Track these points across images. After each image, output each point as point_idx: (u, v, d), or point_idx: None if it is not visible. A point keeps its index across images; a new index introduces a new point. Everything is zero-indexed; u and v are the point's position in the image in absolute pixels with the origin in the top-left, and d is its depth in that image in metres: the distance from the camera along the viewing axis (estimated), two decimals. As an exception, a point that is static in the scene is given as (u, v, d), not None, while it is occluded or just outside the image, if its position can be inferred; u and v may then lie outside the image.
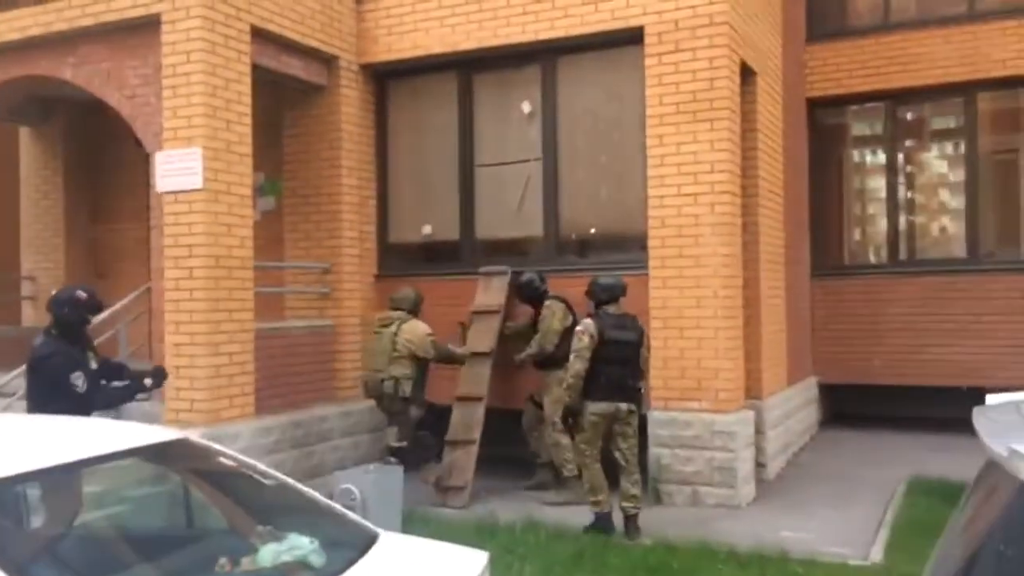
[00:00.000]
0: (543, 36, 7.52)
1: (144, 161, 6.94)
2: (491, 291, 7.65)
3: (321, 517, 3.29)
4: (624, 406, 6.02)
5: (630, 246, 7.50)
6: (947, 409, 9.78)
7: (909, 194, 10.72)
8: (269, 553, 2.93)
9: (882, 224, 10.61)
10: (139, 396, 5.65)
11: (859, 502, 6.78)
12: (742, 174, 7.45)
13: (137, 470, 3.75)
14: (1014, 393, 2.37)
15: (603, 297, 6.18)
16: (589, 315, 6.22)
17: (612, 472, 6.10)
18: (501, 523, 6.16)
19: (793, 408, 8.87)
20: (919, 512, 6.29)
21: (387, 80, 8.44)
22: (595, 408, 5.99)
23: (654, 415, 6.90)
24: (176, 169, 6.56)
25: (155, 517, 4.00)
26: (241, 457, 3.56)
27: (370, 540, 3.10)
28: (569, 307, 6.99)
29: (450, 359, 7.07)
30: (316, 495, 3.40)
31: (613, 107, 7.65)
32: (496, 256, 7.97)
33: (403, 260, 8.41)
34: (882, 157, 10.69)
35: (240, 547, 3.13)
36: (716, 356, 6.81)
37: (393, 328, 6.85)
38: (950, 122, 10.76)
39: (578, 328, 6.14)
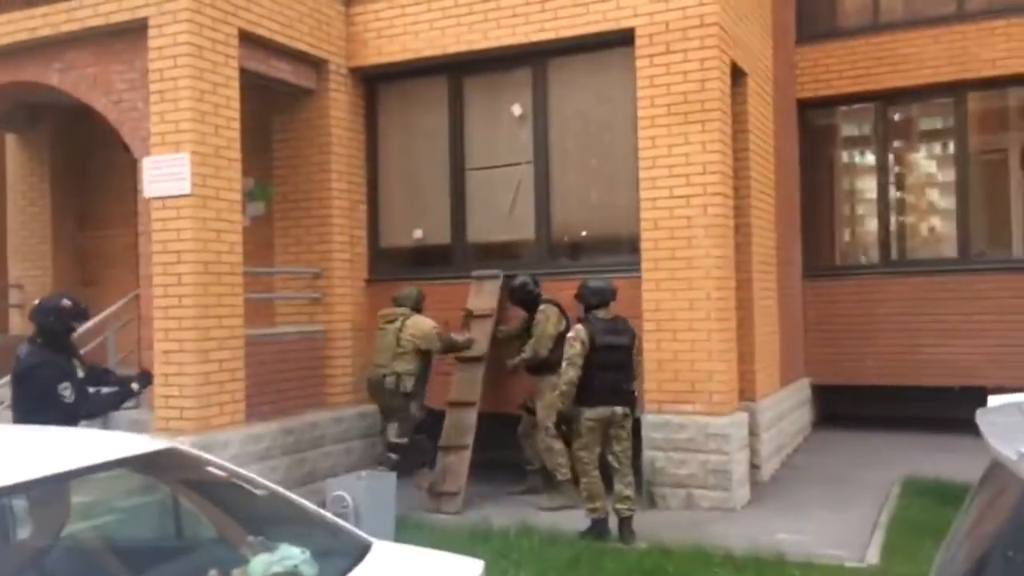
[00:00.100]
0: (533, 38, 7.49)
1: (132, 167, 6.88)
2: (483, 295, 7.61)
3: (313, 527, 3.24)
4: (620, 410, 5.99)
5: (622, 249, 7.47)
6: (939, 409, 9.82)
7: (900, 194, 10.74)
8: (260, 564, 2.88)
9: (873, 225, 10.61)
10: (127, 403, 5.59)
11: (854, 503, 6.76)
12: (734, 176, 7.43)
13: (125, 481, 3.70)
14: (1015, 394, 2.35)
15: (593, 301, 6.16)
16: (579, 320, 6.19)
17: (605, 475, 6.07)
18: (495, 528, 6.11)
19: (786, 410, 8.85)
20: (914, 513, 6.29)
21: (377, 84, 8.39)
22: (591, 413, 5.95)
23: (648, 418, 6.87)
24: (164, 175, 6.50)
25: (144, 528, 3.94)
26: (231, 466, 3.50)
27: (363, 549, 3.05)
28: (563, 312, 6.95)
29: (455, 348, 7.10)
30: (308, 504, 3.35)
31: (604, 109, 7.63)
32: (488, 260, 7.93)
33: (394, 264, 8.36)
34: (873, 157, 10.70)
35: (231, 558, 3.08)
36: (709, 358, 6.78)
37: (397, 324, 6.90)
38: (940, 122, 10.79)
39: (569, 335, 6.10)
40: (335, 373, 7.88)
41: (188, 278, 6.41)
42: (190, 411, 6.37)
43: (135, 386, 5.43)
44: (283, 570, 2.85)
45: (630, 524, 6.00)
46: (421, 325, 6.89)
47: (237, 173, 6.84)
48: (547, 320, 6.94)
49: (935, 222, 10.88)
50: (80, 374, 5.15)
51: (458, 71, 8.03)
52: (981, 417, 2.10)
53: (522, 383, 7.28)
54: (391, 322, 6.97)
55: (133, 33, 6.66)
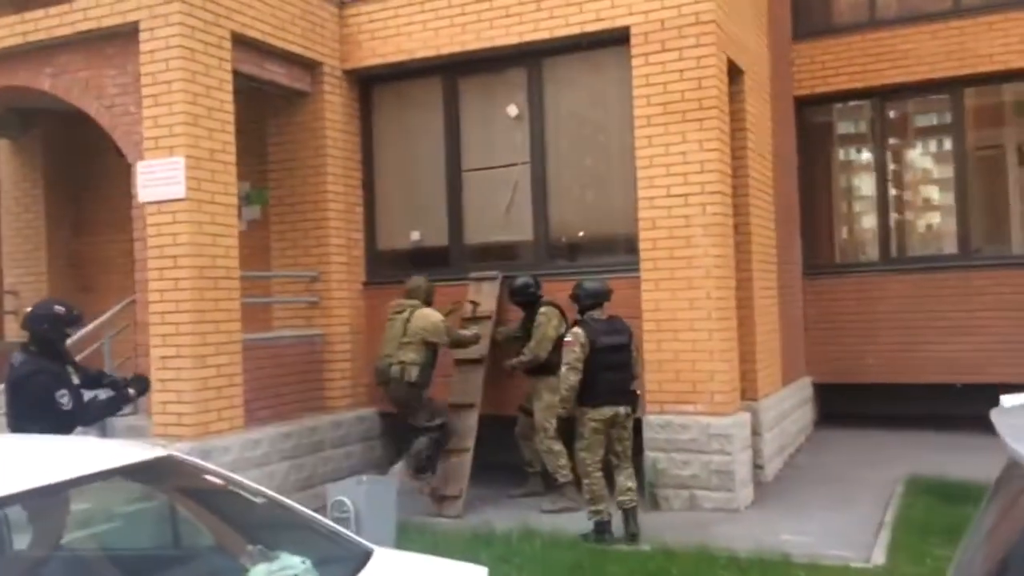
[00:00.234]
0: (528, 38, 7.44)
1: (126, 171, 6.82)
2: (481, 296, 7.56)
3: (313, 535, 3.19)
4: (623, 410, 5.99)
5: (620, 248, 7.43)
6: (941, 406, 9.78)
7: (899, 191, 10.70)
8: (260, 573, 2.83)
9: (872, 222, 10.58)
10: (124, 408, 5.53)
11: (858, 503, 6.71)
12: (732, 174, 7.39)
13: (122, 489, 3.65)
14: (1029, 393, 2.30)
15: (588, 302, 6.16)
16: (576, 322, 6.16)
17: (606, 474, 6.04)
18: (497, 532, 6.06)
19: (788, 409, 8.81)
20: (918, 512, 6.24)
21: (372, 85, 8.34)
22: (596, 414, 5.92)
23: (649, 419, 6.83)
24: (158, 179, 6.44)
25: (142, 537, 3.89)
26: (229, 474, 3.45)
27: (364, 557, 3.01)
28: (564, 314, 6.90)
29: (462, 342, 7.05)
30: (307, 512, 3.29)
31: (600, 108, 7.59)
32: (486, 261, 7.89)
33: (392, 267, 8.30)
34: (871, 154, 10.67)
35: (230, 567, 3.03)
36: (711, 358, 6.74)
37: (406, 315, 6.89)
38: (939, 118, 10.75)
39: (567, 339, 6.07)
40: (334, 377, 7.83)
41: (184, 283, 6.36)
42: (188, 417, 6.31)
43: (131, 391, 5.36)
44: (283, 580, 2.80)
45: (635, 515, 6.00)
46: (430, 317, 6.87)
47: (232, 177, 6.79)
48: (548, 322, 6.89)
49: (934, 219, 10.84)
50: (75, 380, 5.09)
51: (453, 72, 7.98)
52: (997, 417, 2.05)
53: (522, 384, 7.23)
54: (400, 312, 6.96)
55: (125, 37, 6.61)
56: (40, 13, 6.85)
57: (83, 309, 5.76)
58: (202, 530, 3.48)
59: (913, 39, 9.96)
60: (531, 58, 7.65)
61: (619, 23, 7.13)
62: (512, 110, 7.79)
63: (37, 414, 4.77)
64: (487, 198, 7.95)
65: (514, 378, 7.23)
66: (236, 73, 6.90)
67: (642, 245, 7.00)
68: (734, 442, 6.67)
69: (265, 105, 8.00)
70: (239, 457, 6.47)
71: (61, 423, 4.80)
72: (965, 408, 9.49)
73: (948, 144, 10.38)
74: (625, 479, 6.03)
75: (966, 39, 9.73)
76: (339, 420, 7.63)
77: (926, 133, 10.97)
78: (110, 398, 5.26)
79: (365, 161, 8.32)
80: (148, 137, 6.51)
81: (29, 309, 5.25)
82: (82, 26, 6.71)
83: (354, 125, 8.24)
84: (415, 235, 8.26)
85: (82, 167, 9.32)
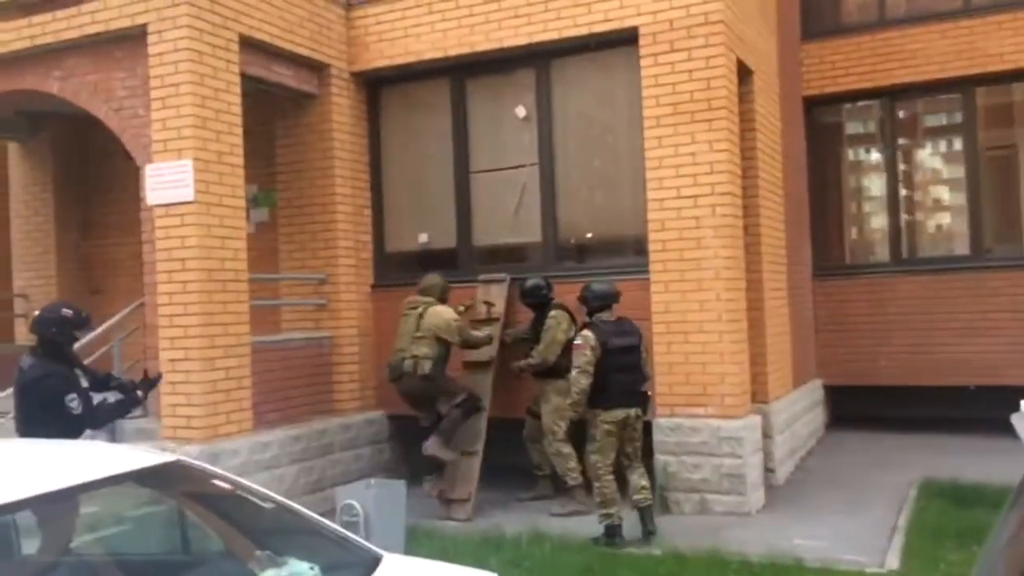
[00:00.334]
0: (536, 39, 7.42)
1: (135, 174, 6.82)
2: (490, 298, 7.52)
3: (321, 540, 3.16)
4: (634, 412, 5.97)
5: (630, 250, 7.40)
6: (955, 409, 9.71)
7: (909, 191, 10.63)
8: (269, 580, 2.80)
9: (883, 222, 10.51)
10: (133, 411, 5.53)
11: (871, 507, 6.65)
12: (742, 175, 7.34)
13: (131, 494, 3.63)
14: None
15: (596, 304, 6.13)
16: (585, 325, 6.12)
17: (618, 477, 6.00)
18: (507, 536, 6.03)
19: (799, 411, 8.75)
20: (932, 516, 6.18)
21: (379, 87, 8.33)
22: (608, 416, 5.89)
23: (659, 422, 6.78)
24: (167, 182, 6.44)
25: (151, 542, 3.87)
26: (237, 479, 3.43)
27: (373, 563, 2.98)
28: (574, 318, 6.87)
29: (473, 343, 7.01)
30: (316, 517, 3.27)
31: (609, 109, 7.55)
32: (494, 263, 7.86)
33: (400, 269, 8.28)
34: (881, 154, 10.61)
35: (239, 573, 3.01)
36: (721, 360, 6.69)
37: (419, 310, 6.88)
38: (949, 118, 10.69)
39: (576, 342, 6.03)
40: (342, 380, 7.81)
41: (193, 285, 6.35)
42: (197, 420, 6.30)
43: (140, 393, 5.35)
44: (292, 586, 2.78)
45: (651, 514, 5.98)
46: (443, 315, 6.85)
47: (240, 179, 6.78)
48: (557, 326, 6.86)
49: (945, 219, 10.77)
50: (84, 383, 5.08)
51: (461, 73, 7.96)
52: (1018, 421, 2.01)
53: (530, 387, 7.19)
54: (414, 308, 6.96)
55: (133, 40, 6.61)
56: (48, 16, 6.86)
57: (92, 312, 5.76)
58: (211, 535, 3.46)
59: (922, 39, 9.91)
60: (539, 59, 7.62)
61: (627, 24, 7.09)
62: (520, 111, 7.76)
63: (46, 418, 4.76)
64: (495, 200, 7.92)
65: (522, 380, 7.20)
66: (244, 76, 6.90)
67: (651, 247, 6.96)
68: (745, 445, 6.62)
69: (273, 107, 8.00)
70: (248, 460, 6.46)
71: (70, 427, 4.80)
72: (978, 411, 9.43)
73: (959, 144, 10.31)
74: (638, 478, 6.02)
75: (976, 38, 9.67)
76: (348, 423, 7.61)
77: (936, 133, 10.91)
78: (119, 401, 5.25)
79: (373, 163, 8.30)
80: (157, 140, 6.50)
81: (37, 313, 5.24)
82: (90, 29, 6.71)
83: (362, 127, 8.22)
84: (423, 237, 8.24)
85: (91, 170, 9.33)
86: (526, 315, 7.28)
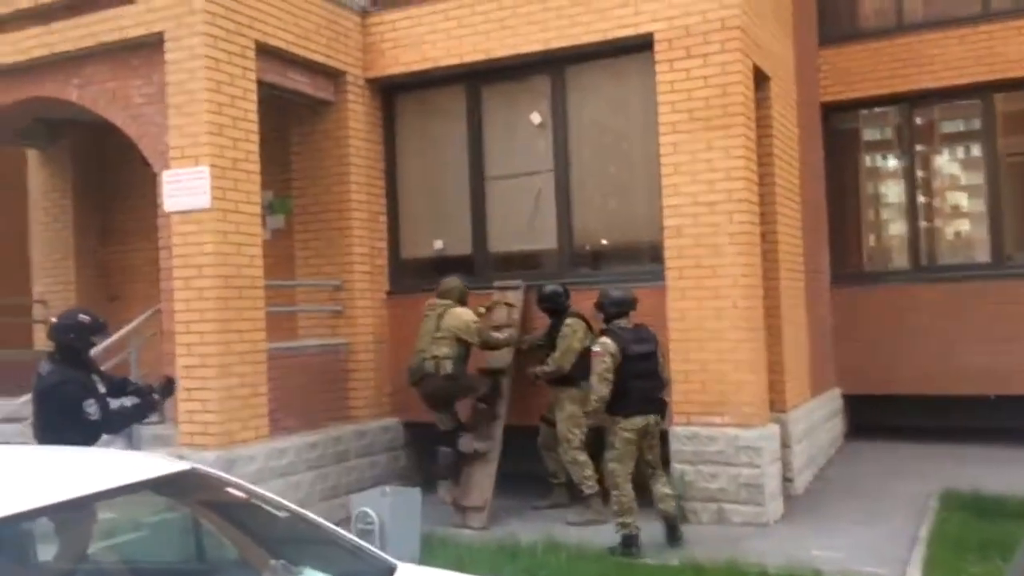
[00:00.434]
0: (551, 45, 7.40)
1: (152, 181, 6.85)
2: (504, 309, 7.49)
3: (336, 549, 3.14)
4: (654, 419, 5.94)
5: (645, 257, 7.36)
6: (974, 418, 9.58)
7: (927, 198, 10.53)
8: (283, 589, 2.79)
9: (902, 229, 10.42)
10: (150, 415, 5.54)
11: (891, 517, 6.57)
12: (759, 181, 7.29)
13: (147, 502, 3.63)
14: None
15: (614, 311, 6.10)
16: (603, 332, 6.09)
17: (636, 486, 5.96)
18: (522, 544, 5.98)
19: (818, 420, 8.67)
20: (954, 527, 6.09)
21: (395, 94, 8.34)
22: (628, 424, 5.86)
23: (676, 431, 6.73)
24: (183, 188, 6.46)
25: (166, 550, 3.87)
26: (252, 487, 3.41)
27: (387, 573, 2.96)
28: (590, 327, 6.83)
29: (493, 344, 7.01)
30: (330, 526, 3.25)
31: (624, 115, 7.52)
32: (509, 270, 7.84)
33: (416, 276, 8.27)
34: (899, 161, 10.53)
35: (253, 582, 2.98)
36: (738, 369, 6.63)
37: (439, 311, 6.90)
38: (967, 124, 10.59)
39: (596, 349, 5.98)
40: (358, 386, 7.81)
41: (209, 292, 6.36)
42: (213, 426, 6.31)
43: (157, 396, 5.37)
44: (307, 596, 2.76)
45: (678, 521, 5.97)
46: (462, 316, 6.86)
47: (256, 186, 6.80)
48: (573, 334, 6.82)
49: (965, 226, 10.66)
50: (101, 389, 5.11)
51: (476, 80, 7.95)
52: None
53: (544, 394, 7.16)
54: (433, 310, 6.98)
55: (150, 47, 6.64)
56: (66, 24, 6.91)
57: (111, 318, 5.79)
58: (226, 544, 3.45)
59: (940, 44, 9.84)
60: (554, 65, 7.61)
61: (643, 29, 7.06)
62: (535, 118, 7.74)
63: (64, 423, 4.79)
64: (510, 206, 7.90)
65: (537, 388, 7.17)
66: (260, 82, 6.92)
67: (667, 254, 6.92)
68: (763, 455, 6.56)
69: (288, 114, 8.02)
70: (264, 467, 6.46)
71: (88, 432, 4.82)
72: (999, 420, 9.32)
73: (977, 150, 10.23)
74: (662, 486, 6.00)
75: (995, 43, 9.58)
76: (363, 430, 7.60)
77: (955, 139, 10.81)
78: (136, 405, 5.27)
79: (388, 170, 8.30)
80: (173, 147, 6.53)
81: (55, 320, 5.27)
82: (108, 37, 6.75)
83: (377, 134, 8.23)
84: (438, 244, 8.23)
85: (109, 177, 9.40)
86: (542, 322, 7.25)
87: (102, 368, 5.67)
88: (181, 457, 4.81)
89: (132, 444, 6.56)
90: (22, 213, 9.70)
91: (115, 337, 6.83)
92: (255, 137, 6.79)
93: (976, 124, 10.17)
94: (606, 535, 6.03)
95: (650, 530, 5.96)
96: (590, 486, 6.68)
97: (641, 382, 5.88)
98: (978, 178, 10.18)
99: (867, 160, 11.10)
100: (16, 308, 9.52)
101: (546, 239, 7.74)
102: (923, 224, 10.34)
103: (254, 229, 6.73)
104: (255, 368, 6.60)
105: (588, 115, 7.61)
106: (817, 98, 10.11)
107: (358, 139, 7.95)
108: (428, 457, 7.09)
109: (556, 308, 7.03)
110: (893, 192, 10.69)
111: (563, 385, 6.84)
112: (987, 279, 9.60)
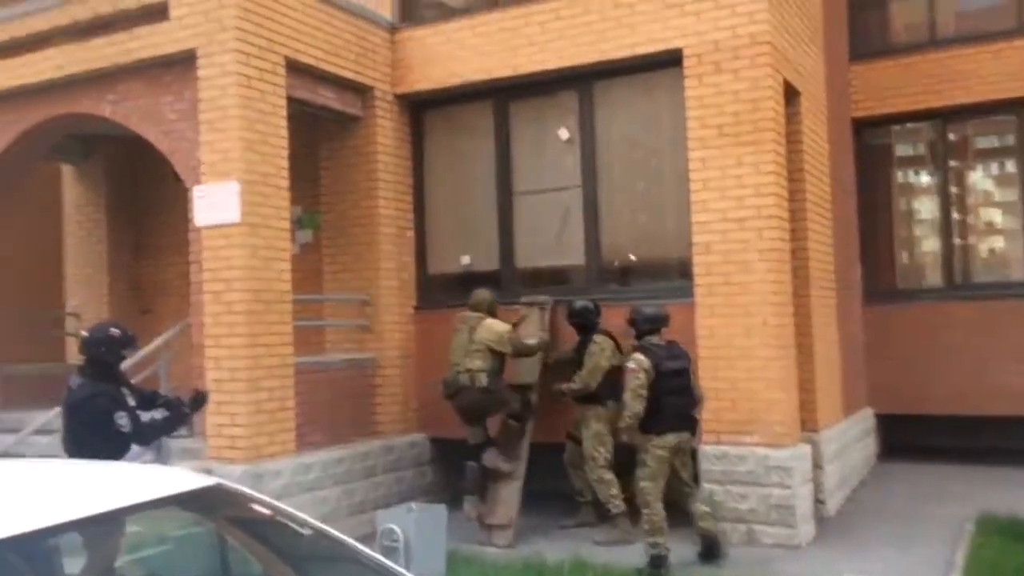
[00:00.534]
0: (579, 61, 7.39)
1: (184, 196, 6.93)
2: (531, 321, 7.45)
3: (360, 567, 3.11)
4: (687, 436, 5.90)
5: (674, 273, 7.30)
6: (1010, 440, 9.36)
7: (961, 215, 10.36)
8: (308, 608, 2.76)
9: (935, 246, 10.26)
10: (179, 428, 5.56)
11: (925, 541, 6.41)
12: (789, 197, 7.20)
13: (172, 517, 3.63)
14: None
15: (646, 327, 6.06)
16: (635, 348, 6.03)
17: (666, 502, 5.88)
18: (549, 563, 5.92)
19: (850, 440, 8.51)
20: (991, 553, 5.92)
21: (423, 109, 8.37)
22: (661, 441, 5.80)
23: (705, 450, 6.64)
24: (214, 203, 6.52)
25: (191, 566, 3.86)
26: (277, 504, 3.40)
27: (412, 593, 2.92)
28: (619, 346, 6.77)
29: (528, 351, 7.00)
30: (355, 544, 3.22)
31: (653, 131, 7.49)
32: (537, 286, 7.81)
33: (443, 291, 8.27)
34: (932, 177, 10.38)
35: (278, 600, 2.96)
36: (768, 387, 6.54)
37: (471, 323, 6.89)
38: (1001, 140, 10.42)
39: (630, 366, 5.93)
40: (384, 401, 7.80)
41: (239, 306, 6.40)
42: (241, 440, 6.33)
43: (187, 410, 5.39)
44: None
45: (718, 539, 5.90)
46: (494, 327, 6.85)
47: (286, 201, 6.85)
48: (601, 352, 6.77)
49: (1000, 243, 10.47)
50: (132, 402, 5.14)
51: (504, 95, 7.96)
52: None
53: (571, 411, 7.10)
54: (465, 323, 6.97)
55: (182, 64, 6.74)
56: (102, 41, 7.02)
57: (142, 331, 5.84)
58: (251, 560, 3.43)
59: (975, 59, 9.70)
60: (583, 81, 7.59)
61: (672, 45, 7.03)
62: (563, 133, 7.73)
63: (95, 437, 4.81)
64: (538, 222, 7.89)
65: (563, 404, 7.11)
66: (290, 98, 6.98)
67: (696, 270, 6.86)
68: (794, 475, 6.45)
69: (317, 130, 8.08)
70: (291, 481, 6.46)
71: (118, 445, 4.84)
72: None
73: (1012, 166, 10.06)
74: (700, 503, 5.96)
75: (1030, 59, 9.43)
76: (390, 445, 7.59)
77: (989, 155, 10.64)
78: (166, 418, 5.28)
79: (416, 185, 8.33)
80: (205, 162, 6.60)
81: (85, 333, 5.32)
82: (141, 54, 6.85)
83: (405, 149, 8.26)
84: (466, 259, 8.23)
85: (142, 192, 9.52)
86: (570, 337, 7.20)
87: (132, 381, 5.71)
88: (208, 471, 4.82)
89: (162, 457, 6.59)
90: (56, 227, 9.85)
91: (145, 351, 6.88)
92: (285, 152, 6.84)
93: (1010, 140, 10.01)
94: (634, 555, 5.95)
95: (680, 551, 5.86)
96: (616, 505, 6.61)
97: (674, 399, 5.83)
98: (1013, 195, 10.01)
99: (899, 176, 10.95)
100: (50, 321, 9.64)
101: (574, 255, 7.71)
102: (957, 241, 10.17)
103: (283, 244, 6.77)
104: (283, 382, 6.62)
105: (616, 130, 7.58)
106: (848, 113, 10.00)
107: (386, 154, 7.99)
108: (455, 473, 7.04)
109: (586, 324, 6.98)
110: (926, 208, 10.53)
111: (589, 403, 6.79)
112: (1022, 297, 9.40)
